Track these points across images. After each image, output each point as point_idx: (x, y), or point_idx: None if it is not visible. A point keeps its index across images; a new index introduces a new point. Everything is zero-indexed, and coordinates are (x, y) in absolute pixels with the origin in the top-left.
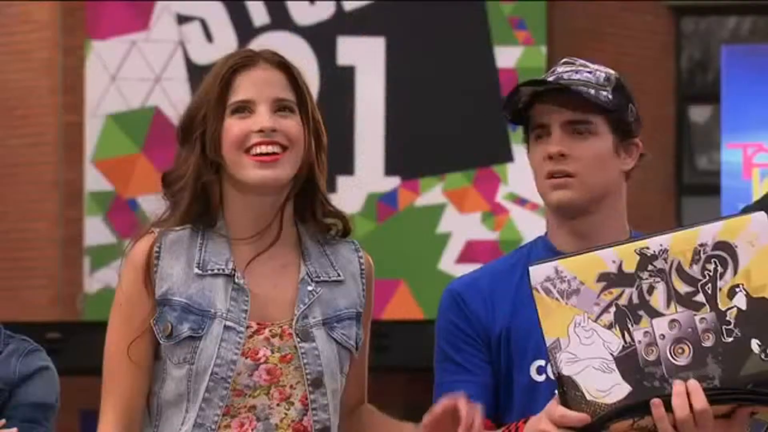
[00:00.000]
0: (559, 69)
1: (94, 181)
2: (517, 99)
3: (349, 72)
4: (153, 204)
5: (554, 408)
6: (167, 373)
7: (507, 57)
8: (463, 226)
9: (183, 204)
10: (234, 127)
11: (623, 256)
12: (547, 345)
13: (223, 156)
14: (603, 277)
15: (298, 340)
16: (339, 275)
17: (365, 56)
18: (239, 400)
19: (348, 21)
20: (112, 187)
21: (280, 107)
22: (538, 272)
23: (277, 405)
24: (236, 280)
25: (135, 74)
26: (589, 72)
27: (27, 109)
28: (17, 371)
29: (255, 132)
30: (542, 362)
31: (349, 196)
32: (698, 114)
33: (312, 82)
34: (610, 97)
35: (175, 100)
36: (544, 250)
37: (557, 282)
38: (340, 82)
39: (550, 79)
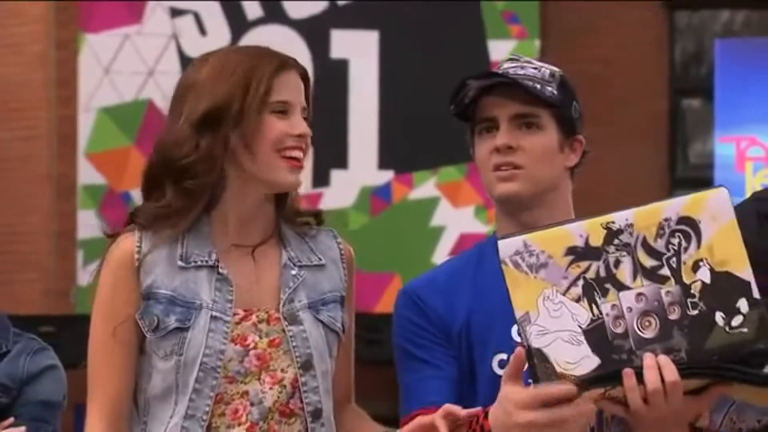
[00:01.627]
0: (505, 65)
1: (88, 174)
2: (463, 94)
3: (342, 65)
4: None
5: (521, 393)
6: (153, 368)
7: (500, 51)
8: (456, 220)
9: (203, 194)
10: (277, 125)
11: (590, 230)
12: (517, 318)
13: (254, 152)
14: (571, 250)
15: (286, 323)
16: (320, 259)
17: (359, 50)
18: (232, 387)
19: (341, 14)
20: (105, 180)
21: (304, 116)
22: (507, 246)
23: (270, 389)
24: (220, 271)
25: (128, 68)
26: (535, 68)
27: (20, 103)
28: (26, 370)
29: (293, 135)
30: (504, 356)
31: (342, 189)
32: (691, 108)
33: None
34: (555, 92)
35: (168, 93)
36: (494, 247)
37: (526, 256)
38: (333, 76)
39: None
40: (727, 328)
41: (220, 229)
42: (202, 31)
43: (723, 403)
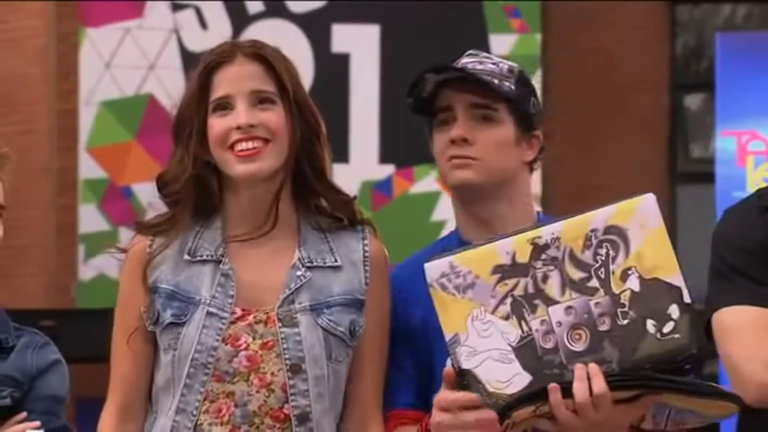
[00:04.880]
0: (463, 60)
1: (88, 168)
2: (421, 87)
3: (343, 60)
4: (147, 192)
5: (442, 395)
6: (159, 360)
7: (502, 45)
8: None
9: (186, 203)
10: (215, 125)
11: (517, 246)
12: (447, 340)
13: (212, 153)
14: (497, 269)
15: (280, 325)
16: (336, 261)
17: (360, 44)
18: (219, 386)
19: (342, 9)
20: (106, 174)
21: (259, 100)
22: (434, 269)
23: (257, 392)
24: (222, 266)
25: (129, 62)
26: (493, 64)
27: (20, 97)
28: (34, 364)
29: (234, 129)
30: None
31: (343, 184)
32: (692, 102)
33: (306, 69)
34: (513, 87)
35: (169, 87)
36: (456, 241)
37: (452, 277)
38: (334, 70)
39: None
40: (658, 335)
41: (229, 224)
42: (203, 25)
43: (662, 410)
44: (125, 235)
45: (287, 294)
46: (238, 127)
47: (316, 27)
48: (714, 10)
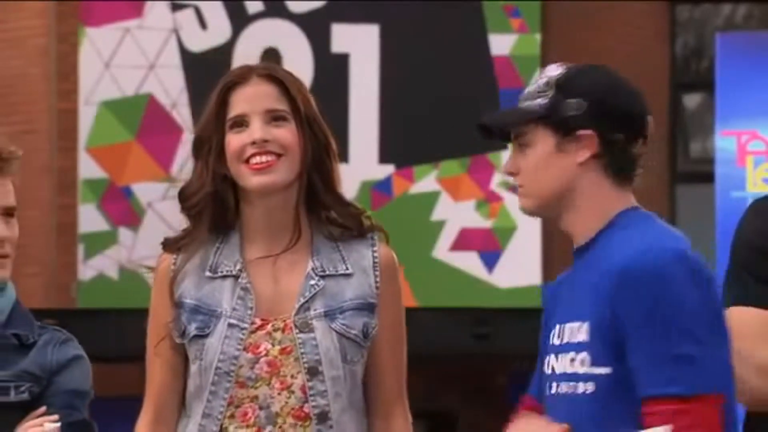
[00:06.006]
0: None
1: (88, 168)
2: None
3: (343, 59)
4: (147, 191)
5: None
6: (189, 370)
7: (502, 44)
8: (457, 214)
9: (204, 216)
10: (232, 141)
11: None
12: None
13: (229, 168)
14: None
15: (297, 331)
16: (347, 269)
17: (359, 44)
18: (242, 392)
19: (342, 9)
20: (105, 174)
21: (273, 118)
22: None
23: (278, 394)
24: (241, 281)
25: (129, 61)
26: (535, 83)
27: (20, 97)
28: (54, 360)
29: (250, 144)
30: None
31: (343, 184)
32: (692, 101)
33: (306, 69)
34: (546, 101)
35: (168, 87)
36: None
37: None
38: (334, 70)
39: None
40: None
41: (247, 239)
42: (203, 25)
43: None
44: (125, 235)
45: (302, 302)
46: (253, 143)
47: (315, 27)
48: (714, 10)
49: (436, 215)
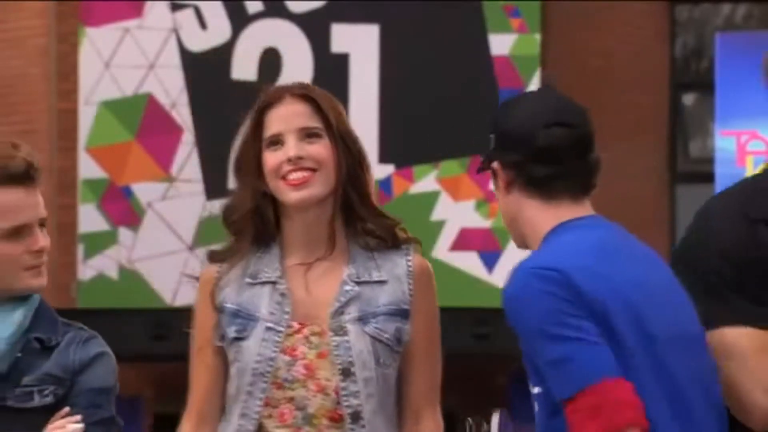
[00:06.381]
0: None
1: (88, 168)
2: None
3: (343, 59)
4: (147, 191)
5: None
6: (229, 372)
7: (501, 44)
8: (457, 214)
9: (247, 231)
10: (269, 159)
11: None
12: None
13: (268, 184)
14: None
15: (332, 334)
16: (382, 276)
17: (359, 44)
18: (279, 393)
19: (341, 9)
20: (105, 174)
21: (307, 135)
22: None
23: (314, 396)
24: (279, 287)
25: (128, 61)
26: None
27: (20, 97)
28: (77, 359)
29: (285, 161)
30: None
31: None
32: (692, 101)
33: (305, 69)
34: (491, 151)
35: (168, 87)
36: None
37: None
38: (333, 70)
39: None
40: None
41: (286, 249)
42: (203, 25)
43: None
44: (124, 235)
45: (337, 307)
46: (289, 160)
47: (315, 27)
48: (714, 10)
49: (436, 215)
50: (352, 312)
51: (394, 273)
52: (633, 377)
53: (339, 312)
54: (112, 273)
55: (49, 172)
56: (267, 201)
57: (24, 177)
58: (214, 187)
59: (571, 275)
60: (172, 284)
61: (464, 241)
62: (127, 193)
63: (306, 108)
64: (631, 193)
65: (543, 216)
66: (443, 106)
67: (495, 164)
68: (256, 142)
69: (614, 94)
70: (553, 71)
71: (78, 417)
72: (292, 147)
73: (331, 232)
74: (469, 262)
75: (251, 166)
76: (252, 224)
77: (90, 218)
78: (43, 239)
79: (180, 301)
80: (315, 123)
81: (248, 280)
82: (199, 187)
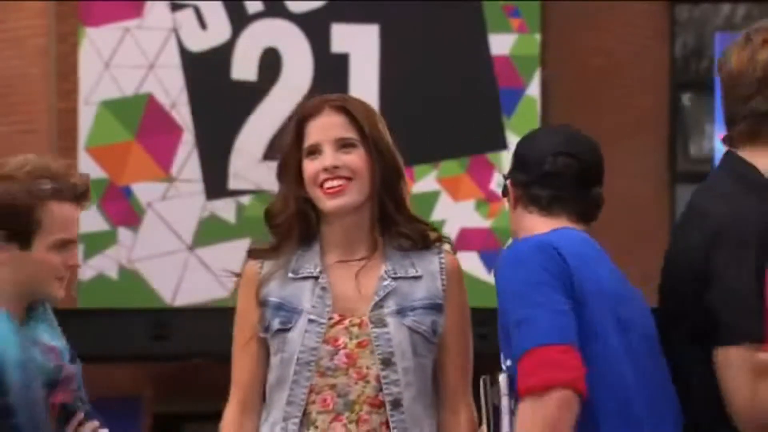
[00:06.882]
0: None
1: (88, 168)
2: None
3: (343, 59)
4: (147, 191)
5: None
6: (271, 362)
7: (501, 44)
8: (457, 214)
9: (293, 233)
10: (308, 167)
11: None
12: None
13: (307, 191)
14: None
15: (372, 326)
16: (417, 272)
17: (359, 44)
18: (322, 380)
19: (341, 8)
20: (105, 174)
21: (343, 145)
22: None
23: (355, 383)
24: (320, 281)
25: (128, 61)
26: None
27: (20, 97)
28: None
29: (322, 170)
30: None
31: None
32: (692, 101)
33: (305, 69)
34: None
35: (168, 87)
36: None
37: None
38: (333, 70)
39: None
40: None
41: (326, 247)
42: (203, 25)
43: None
44: (124, 234)
45: (377, 300)
46: (325, 169)
47: (315, 27)
48: (713, 10)
49: (436, 215)
50: (391, 305)
51: (429, 269)
52: (610, 359)
53: (378, 305)
54: (112, 273)
55: None
56: (309, 205)
57: (82, 198)
58: (214, 187)
59: (566, 256)
60: (172, 284)
61: (464, 241)
62: (127, 193)
63: (343, 119)
64: (631, 193)
65: (540, 224)
66: (443, 106)
67: (508, 182)
68: (297, 150)
69: (614, 94)
70: (553, 71)
71: (96, 423)
72: (328, 156)
73: (371, 236)
74: (469, 262)
75: (292, 173)
76: (297, 226)
77: (90, 218)
78: (78, 258)
79: (180, 301)
80: (351, 134)
81: (291, 275)
82: (199, 187)
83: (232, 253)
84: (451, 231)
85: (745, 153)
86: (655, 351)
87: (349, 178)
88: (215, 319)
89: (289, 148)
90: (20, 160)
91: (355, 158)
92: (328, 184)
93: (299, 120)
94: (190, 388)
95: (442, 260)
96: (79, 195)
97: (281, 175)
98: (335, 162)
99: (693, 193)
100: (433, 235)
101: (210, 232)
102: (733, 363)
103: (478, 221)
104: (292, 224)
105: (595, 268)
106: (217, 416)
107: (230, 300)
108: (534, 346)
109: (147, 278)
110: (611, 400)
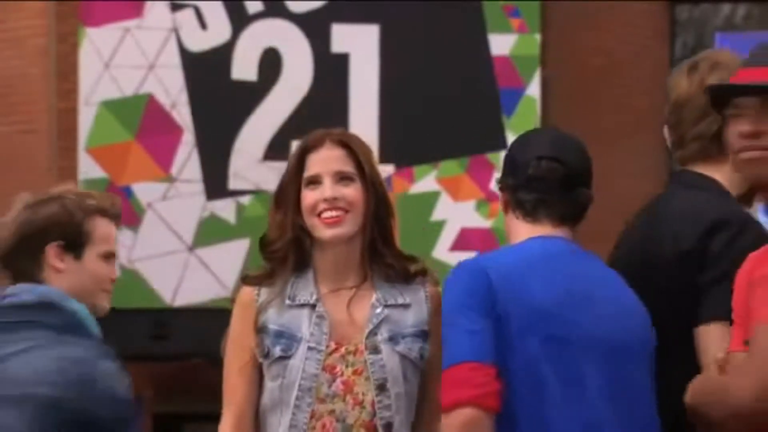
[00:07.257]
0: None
1: (88, 168)
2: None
3: (343, 59)
4: (147, 191)
5: None
6: (265, 386)
7: (501, 44)
8: (457, 214)
9: (289, 259)
10: (307, 197)
11: None
12: None
13: (304, 219)
14: None
15: (368, 353)
16: (406, 300)
17: (359, 44)
18: (322, 406)
19: (342, 8)
20: (105, 174)
21: (342, 178)
22: None
23: (352, 409)
24: (318, 309)
25: (128, 61)
26: None
27: (20, 97)
28: None
29: (322, 200)
30: None
31: None
32: None
33: (306, 69)
34: None
35: (168, 87)
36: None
37: None
38: (334, 70)
39: None
40: None
41: (320, 275)
42: (203, 25)
43: None
44: (124, 235)
45: (371, 328)
46: (325, 200)
47: (315, 27)
48: (714, 10)
49: (436, 215)
50: (384, 333)
51: (415, 298)
52: (530, 372)
53: (373, 333)
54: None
55: (49, 172)
56: (305, 233)
57: (118, 218)
58: (214, 187)
59: (492, 275)
60: (172, 284)
61: (464, 241)
62: (127, 193)
63: (343, 153)
64: (630, 193)
65: (523, 229)
66: (443, 106)
67: (499, 186)
68: (297, 179)
69: (614, 93)
70: (553, 71)
71: None
72: (328, 188)
73: (361, 266)
74: None
75: (291, 201)
76: (293, 253)
77: None
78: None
79: (180, 302)
80: (350, 168)
81: (288, 302)
82: (199, 187)
83: (232, 253)
84: (451, 231)
85: (698, 170)
86: (618, 360)
87: (346, 210)
88: (215, 319)
89: (289, 177)
90: (62, 186)
91: (353, 191)
92: (326, 214)
93: (301, 151)
94: (190, 388)
95: (426, 291)
96: (116, 214)
97: (279, 202)
98: (335, 194)
99: (657, 204)
100: (415, 268)
101: (210, 232)
102: (714, 339)
103: (478, 221)
104: (288, 251)
105: (528, 284)
106: (216, 417)
107: (230, 300)
108: (446, 367)
109: (147, 278)
110: (527, 412)
